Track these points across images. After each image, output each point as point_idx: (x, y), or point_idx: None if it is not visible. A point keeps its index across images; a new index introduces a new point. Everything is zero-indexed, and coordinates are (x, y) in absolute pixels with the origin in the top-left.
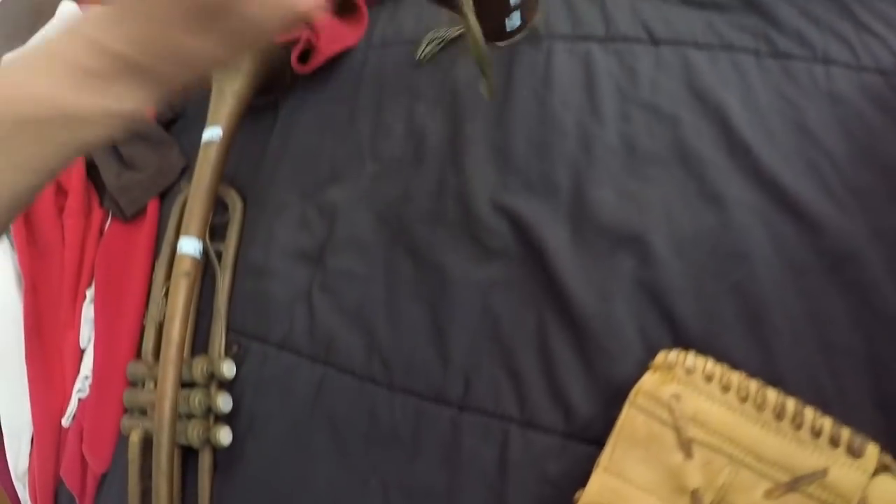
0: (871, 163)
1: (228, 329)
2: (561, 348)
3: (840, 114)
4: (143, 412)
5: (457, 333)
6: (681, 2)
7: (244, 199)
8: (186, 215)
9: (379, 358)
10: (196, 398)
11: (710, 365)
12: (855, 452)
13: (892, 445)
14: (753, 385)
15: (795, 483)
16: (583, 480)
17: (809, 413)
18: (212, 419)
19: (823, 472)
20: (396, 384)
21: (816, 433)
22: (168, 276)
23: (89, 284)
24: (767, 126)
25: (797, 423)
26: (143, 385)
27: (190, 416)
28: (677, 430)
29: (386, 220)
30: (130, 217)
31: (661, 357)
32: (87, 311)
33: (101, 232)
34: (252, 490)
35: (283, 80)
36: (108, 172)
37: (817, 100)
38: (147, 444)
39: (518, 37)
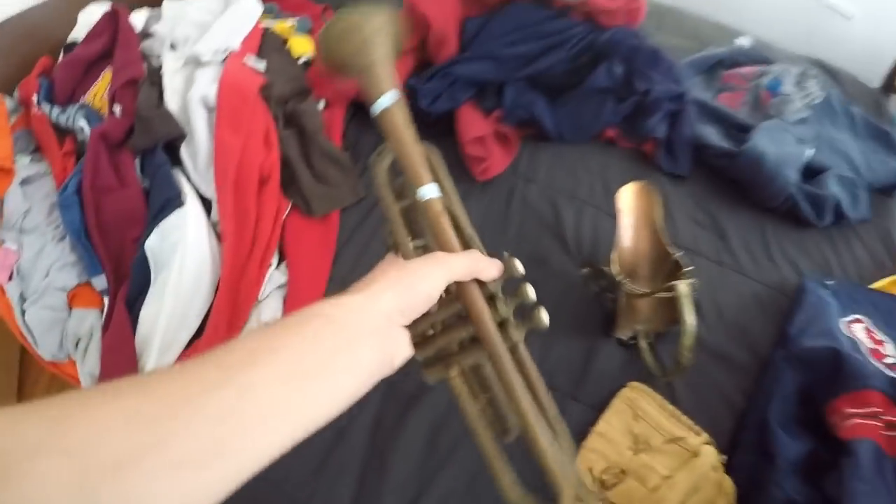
0: (746, 327)
1: None
2: None
3: (737, 301)
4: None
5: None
6: (692, 221)
7: None
8: (411, 173)
9: None
10: (502, 305)
11: (650, 390)
12: (697, 433)
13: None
14: (664, 401)
15: (673, 440)
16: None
17: (682, 415)
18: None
19: (684, 438)
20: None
21: (684, 423)
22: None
23: (273, 254)
24: (708, 297)
25: (677, 418)
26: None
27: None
28: (633, 410)
29: None
30: (318, 217)
31: (632, 382)
32: (271, 275)
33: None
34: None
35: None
36: (305, 178)
37: (728, 292)
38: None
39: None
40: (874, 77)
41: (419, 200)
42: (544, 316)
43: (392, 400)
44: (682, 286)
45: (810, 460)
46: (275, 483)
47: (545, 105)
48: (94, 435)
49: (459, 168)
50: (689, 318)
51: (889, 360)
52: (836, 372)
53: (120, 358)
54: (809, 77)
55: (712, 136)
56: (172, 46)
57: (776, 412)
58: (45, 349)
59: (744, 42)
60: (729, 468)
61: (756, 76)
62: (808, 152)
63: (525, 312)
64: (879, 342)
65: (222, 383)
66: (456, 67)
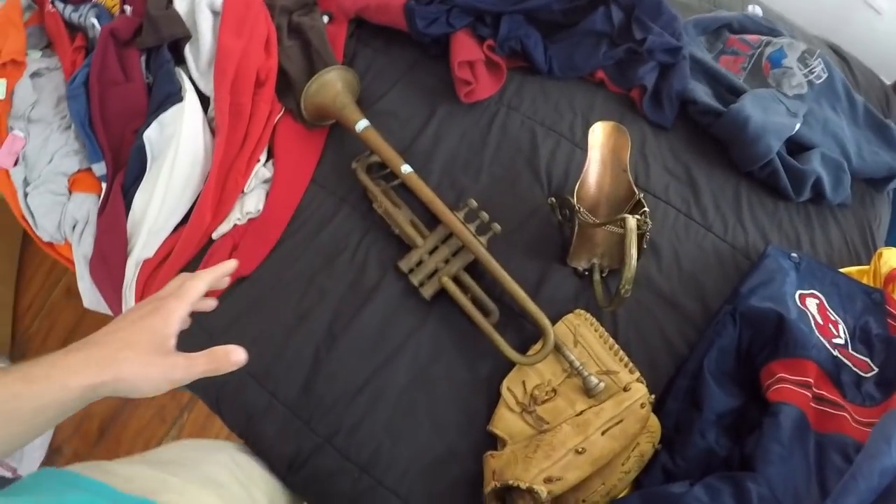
0: (702, 280)
1: None
2: None
3: (698, 255)
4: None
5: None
6: (667, 171)
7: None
8: (390, 161)
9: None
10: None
11: (594, 321)
12: (631, 370)
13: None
14: (606, 334)
15: (607, 373)
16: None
17: (620, 350)
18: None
19: (617, 372)
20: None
21: (621, 359)
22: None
23: (262, 151)
24: (669, 244)
25: (615, 352)
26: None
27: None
28: (574, 335)
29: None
30: (310, 127)
31: (578, 310)
32: (258, 170)
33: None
34: None
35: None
36: (302, 88)
37: (691, 244)
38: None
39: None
40: (890, 74)
41: (403, 174)
42: (497, 226)
43: (352, 293)
44: (630, 219)
45: (737, 416)
46: None
47: (539, 40)
48: None
49: (449, 90)
50: (633, 250)
51: (837, 341)
52: (777, 335)
53: (113, 239)
54: (815, 55)
55: (702, 93)
56: None
57: (712, 361)
58: (44, 231)
59: (755, 10)
60: (659, 412)
61: (760, 45)
62: (797, 125)
63: (483, 227)
64: (832, 321)
65: None
66: None
